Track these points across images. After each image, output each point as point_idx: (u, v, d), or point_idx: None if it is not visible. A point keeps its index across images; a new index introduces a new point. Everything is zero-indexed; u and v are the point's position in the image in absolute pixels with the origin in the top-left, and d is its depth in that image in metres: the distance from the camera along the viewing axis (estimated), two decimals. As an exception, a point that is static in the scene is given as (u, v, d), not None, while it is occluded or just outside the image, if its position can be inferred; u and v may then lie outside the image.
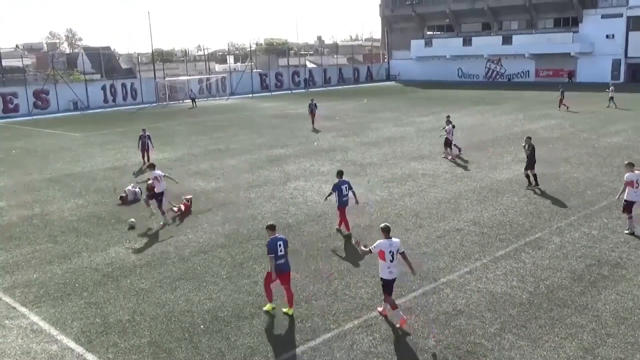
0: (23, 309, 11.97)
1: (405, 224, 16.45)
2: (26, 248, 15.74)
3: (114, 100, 62.37)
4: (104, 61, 74.89)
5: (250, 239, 15.61)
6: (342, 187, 15.48)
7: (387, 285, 10.48)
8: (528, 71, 74.31)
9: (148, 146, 26.82)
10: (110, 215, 18.58)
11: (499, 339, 10.00)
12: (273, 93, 71.89)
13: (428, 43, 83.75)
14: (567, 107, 41.47)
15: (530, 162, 20.11)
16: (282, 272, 10.91)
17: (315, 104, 38.57)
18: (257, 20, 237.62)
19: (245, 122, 41.97)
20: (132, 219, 17.48)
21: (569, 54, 69.35)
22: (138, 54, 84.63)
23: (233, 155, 28.60)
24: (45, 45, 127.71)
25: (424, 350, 9.72)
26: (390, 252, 10.29)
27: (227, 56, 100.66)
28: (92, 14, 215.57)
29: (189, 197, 19.15)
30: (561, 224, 16.02)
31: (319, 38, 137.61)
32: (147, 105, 61.62)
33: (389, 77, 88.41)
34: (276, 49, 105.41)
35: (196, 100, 61.79)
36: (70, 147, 33.26)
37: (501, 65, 76.98)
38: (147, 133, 27.03)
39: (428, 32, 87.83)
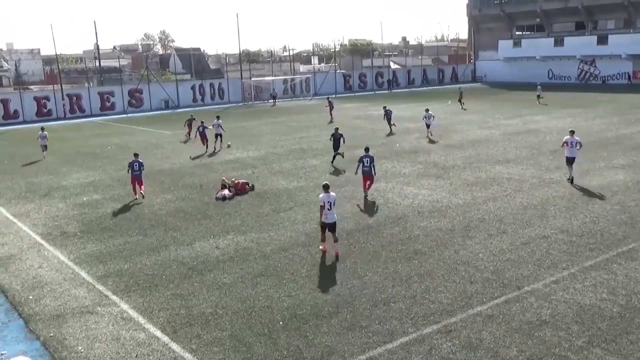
0: (114, 297, 12.59)
1: (488, 228, 16.03)
2: (118, 239, 16.56)
3: (202, 100, 64.55)
4: (194, 62, 77.58)
5: (330, 239, 15.66)
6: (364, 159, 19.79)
7: (324, 227, 14.46)
8: (626, 73, 70.42)
9: (205, 134, 31.79)
10: (197, 211, 19.22)
11: (586, 352, 9.56)
12: (356, 94, 71.98)
13: (517, 43, 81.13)
14: None
15: None
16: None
17: (389, 111, 37.04)
18: (341, 21, 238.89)
19: (326, 123, 42.22)
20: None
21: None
22: (226, 55, 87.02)
23: (315, 155, 28.85)
24: (140, 47, 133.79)
25: (506, 360, 9.43)
26: (328, 202, 14.23)
27: (312, 57, 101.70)
28: (184, 16, 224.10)
29: (246, 181, 21.34)
30: (658, 234, 15.10)
31: (404, 39, 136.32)
32: (234, 104, 63.33)
33: (475, 79, 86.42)
34: (360, 50, 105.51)
35: (277, 98, 62.95)
36: (160, 144, 34.70)
37: (595, 67, 73.39)
38: (204, 124, 32.22)
39: (517, 32, 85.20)
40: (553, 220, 16.55)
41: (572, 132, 21.31)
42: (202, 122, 32.92)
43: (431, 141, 31.48)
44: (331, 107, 46.23)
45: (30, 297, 12.82)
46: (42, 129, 33.39)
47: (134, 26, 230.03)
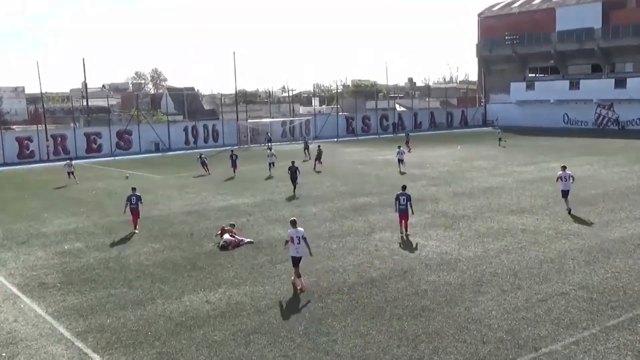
0: (95, 356, 12.41)
1: (501, 284, 15.91)
2: (101, 291, 16.43)
3: (195, 142, 65.03)
4: (187, 102, 78.53)
5: (330, 293, 15.57)
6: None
7: (296, 261, 15.97)
8: (645, 118, 71.17)
9: (236, 163, 39.90)
10: (186, 262, 19.13)
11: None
12: (359, 137, 72.55)
13: (530, 86, 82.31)
14: None
15: None
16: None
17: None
18: (344, 61, 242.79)
19: (329, 168, 42.45)
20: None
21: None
22: (221, 95, 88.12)
23: (315, 202, 28.90)
24: (130, 86, 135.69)
25: None
26: (296, 237, 15.93)
27: (312, 98, 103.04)
28: (177, 54, 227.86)
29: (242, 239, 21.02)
30: (686, 292, 14.97)
31: (410, 80, 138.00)
32: (228, 147, 63.67)
33: (485, 122, 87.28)
34: (364, 91, 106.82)
35: (271, 141, 63.31)
36: (149, 189, 34.78)
37: (614, 111, 74.21)
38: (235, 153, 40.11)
39: (530, 74, 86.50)
40: (572, 276, 16.44)
41: (564, 168, 25.41)
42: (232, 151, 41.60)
43: (401, 173, 37.89)
44: (306, 147, 50.83)
45: (4, 355, 12.64)
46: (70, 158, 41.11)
47: (124, 64, 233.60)
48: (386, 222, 23.78)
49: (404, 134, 62.75)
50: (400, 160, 39.84)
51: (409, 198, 21.57)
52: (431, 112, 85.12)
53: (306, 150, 50.27)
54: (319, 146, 45.80)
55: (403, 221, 21.73)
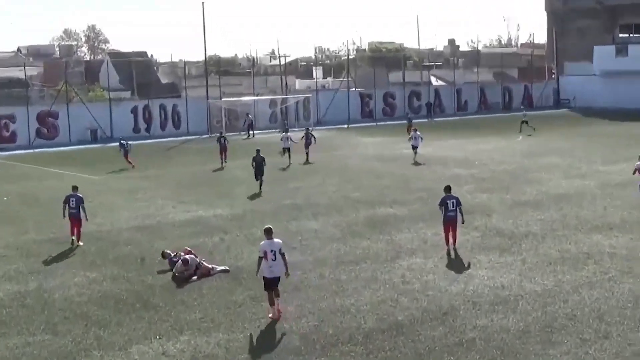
0: None
1: (581, 330, 15.86)
2: (14, 339, 16.35)
3: (147, 130, 65.16)
4: (137, 72, 78.55)
5: (338, 343, 15.53)
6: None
7: (269, 283, 16.88)
8: None
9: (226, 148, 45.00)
10: (135, 298, 19.09)
11: None
12: (379, 123, 72.54)
13: (621, 51, 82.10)
14: None
15: None
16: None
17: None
18: (358, 15, 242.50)
19: (336, 166, 42.39)
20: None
21: None
22: (185, 63, 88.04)
23: (316, 214, 28.86)
24: (57, 50, 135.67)
25: None
26: (272, 252, 16.71)
27: (314, 67, 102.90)
28: (123, 5, 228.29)
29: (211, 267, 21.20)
30: None
31: (451, 42, 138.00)
32: (195, 137, 63.72)
33: (558, 103, 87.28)
34: (386, 58, 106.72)
35: (253, 127, 63.42)
36: (84, 195, 34.72)
37: None
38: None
39: (621, 35, 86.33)
40: (681, 319, 16.40)
41: None
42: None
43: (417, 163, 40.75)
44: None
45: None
46: None
47: (49, 19, 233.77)
48: (417, 243, 23.72)
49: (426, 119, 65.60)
50: (415, 147, 43.74)
51: (458, 202, 22.67)
52: (481, 89, 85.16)
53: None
54: (307, 129, 48.44)
55: (451, 232, 22.52)
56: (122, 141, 46.69)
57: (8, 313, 18.18)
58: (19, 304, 18.83)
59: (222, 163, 44.65)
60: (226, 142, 46.32)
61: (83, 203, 25.08)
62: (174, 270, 20.90)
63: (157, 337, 16.27)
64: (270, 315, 17.00)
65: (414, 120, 60.62)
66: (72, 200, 24.79)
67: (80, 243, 24.68)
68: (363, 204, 30.68)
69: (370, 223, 27.01)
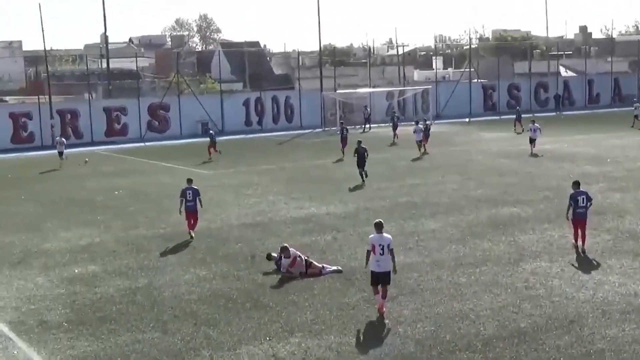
0: None
1: None
2: (124, 336, 16.88)
3: (259, 123, 66.00)
4: (250, 63, 79.67)
5: (456, 350, 15.43)
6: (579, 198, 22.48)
7: (375, 277, 17.57)
8: None
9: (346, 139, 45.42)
10: (245, 297, 19.40)
11: None
12: (503, 117, 71.51)
13: None
14: None
15: None
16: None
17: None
18: (483, 2, 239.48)
19: (457, 163, 42.06)
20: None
21: None
22: (299, 53, 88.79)
23: (434, 213, 28.72)
24: (169, 40, 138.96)
25: None
26: (380, 246, 17.30)
27: (433, 57, 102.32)
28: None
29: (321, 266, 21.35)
30: None
31: (583, 30, 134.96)
32: (308, 131, 64.11)
33: None
34: (511, 47, 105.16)
35: (370, 120, 63.49)
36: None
37: None
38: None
39: None
40: None
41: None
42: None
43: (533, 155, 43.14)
44: (395, 126, 55.86)
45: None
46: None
47: (160, 10, 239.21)
48: (543, 245, 23.34)
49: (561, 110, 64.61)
50: (533, 140, 45.00)
51: (589, 198, 22.79)
52: (615, 80, 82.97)
53: (396, 131, 55.24)
54: (425, 121, 49.77)
55: (580, 230, 22.66)
56: (211, 132, 51.11)
57: (118, 310, 18.73)
58: (129, 301, 19.39)
59: (343, 155, 45.10)
60: (347, 133, 46.93)
61: (199, 195, 25.93)
62: (282, 269, 21.16)
63: (267, 338, 16.49)
64: (376, 306, 17.74)
65: (520, 113, 61.46)
66: (189, 193, 25.63)
67: (193, 233, 25.72)
68: (485, 203, 30.37)
69: (492, 223, 26.72)
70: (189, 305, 18.89)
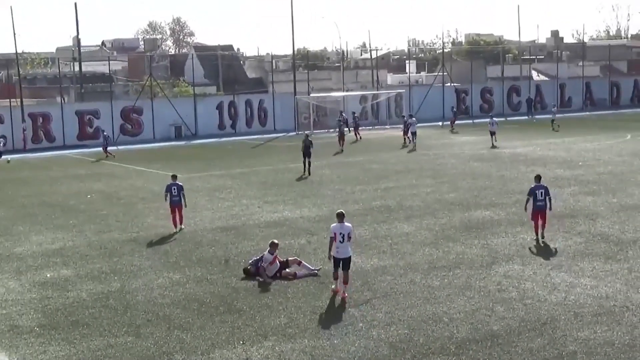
0: None
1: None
2: (97, 341, 16.82)
3: (233, 126, 66.03)
4: (223, 67, 79.67)
5: (430, 353, 15.51)
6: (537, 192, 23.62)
7: (336, 263, 18.84)
8: None
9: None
10: (218, 300, 19.39)
11: None
12: (476, 121, 71.84)
13: None
14: None
15: None
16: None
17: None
18: (454, 5, 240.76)
19: (430, 166, 42.22)
20: None
21: None
22: (272, 57, 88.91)
23: (408, 217, 28.82)
24: (142, 43, 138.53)
25: None
26: (341, 234, 18.64)
27: (407, 61, 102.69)
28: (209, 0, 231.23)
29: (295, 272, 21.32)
30: None
31: (555, 34, 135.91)
32: (281, 134, 64.21)
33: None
34: (484, 52, 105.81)
35: (348, 124, 63.66)
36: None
37: None
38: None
39: None
40: None
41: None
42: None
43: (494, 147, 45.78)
44: (406, 130, 55.67)
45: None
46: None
47: (133, 12, 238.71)
48: (515, 248, 23.49)
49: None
50: (493, 133, 50.64)
51: (547, 192, 23.89)
52: (586, 84, 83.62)
53: (406, 136, 55.28)
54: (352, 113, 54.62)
55: (541, 220, 23.87)
56: (105, 133, 53.87)
57: (91, 314, 18.68)
58: (101, 305, 19.33)
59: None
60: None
61: (183, 190, 27.67)
62: (262, 263, 20.99)
63: (241, 342, 16.50)
64: (332, 287, 19.24)
65: (456, 114, 67.63)
66: (174, 189, 27.34)
67: (183, 226, 27.53)
68: (458, 206, 30.51)
69: (465, 227, 26.85)
70: (162, 309, 18.87)
